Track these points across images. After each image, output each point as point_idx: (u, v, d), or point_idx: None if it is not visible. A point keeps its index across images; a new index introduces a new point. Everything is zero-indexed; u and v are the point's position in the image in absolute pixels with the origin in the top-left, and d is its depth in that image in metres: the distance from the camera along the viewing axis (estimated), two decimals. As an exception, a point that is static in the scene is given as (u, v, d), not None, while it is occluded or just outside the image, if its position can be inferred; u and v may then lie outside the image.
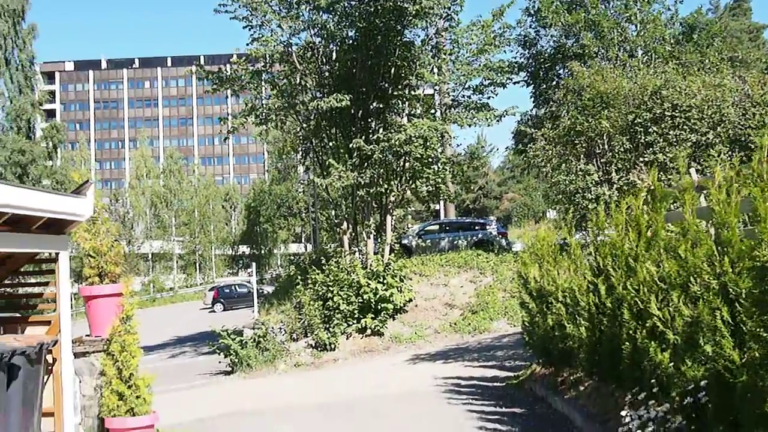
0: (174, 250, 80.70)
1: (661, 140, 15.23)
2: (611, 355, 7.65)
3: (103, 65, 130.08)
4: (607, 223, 8.13)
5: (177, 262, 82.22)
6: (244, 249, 76.47)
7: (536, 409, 9.68)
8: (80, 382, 7.85)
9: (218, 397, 14.52)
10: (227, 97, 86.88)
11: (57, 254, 7.60)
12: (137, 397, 7.45)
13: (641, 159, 15.27)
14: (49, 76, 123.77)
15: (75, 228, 7.84)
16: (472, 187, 57.41)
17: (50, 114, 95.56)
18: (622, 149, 15.34)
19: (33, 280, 8.96)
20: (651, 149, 15.22)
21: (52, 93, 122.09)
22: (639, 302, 6.84)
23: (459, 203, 60.75)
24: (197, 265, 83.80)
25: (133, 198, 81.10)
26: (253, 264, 26.39)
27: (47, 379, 7.38)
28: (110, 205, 75.66)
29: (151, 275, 77.04)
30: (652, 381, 6.32)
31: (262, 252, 72.29)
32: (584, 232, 14.02)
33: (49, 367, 7.38)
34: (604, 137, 15.54)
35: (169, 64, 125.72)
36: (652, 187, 6.90)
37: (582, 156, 15.74)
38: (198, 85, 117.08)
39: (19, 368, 6.44)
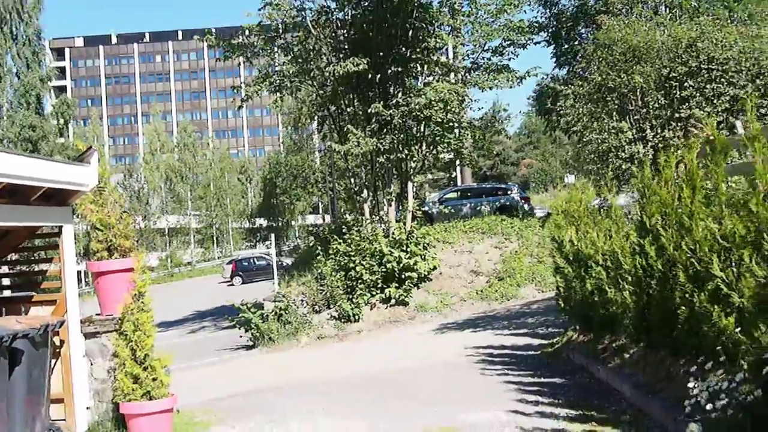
0: (191, 224, 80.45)
1: (698, 95, 14.40)
2: (662, 321, 7.06)
3: (113, 40, 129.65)
4: (654, 179, 7.46)
5: (194, 236, 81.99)
6: (261, 221, 76.07)
7: (577, 378, 9.14)
8: (92, 364, 7.37)
9: (239, 373, 14.05)
10: (240, 66, 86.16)
11: (60, 228, 7.10)
12: (153, 380, 6.95)
13: (676, 115, 14.44)
14: (59, 53, 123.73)
15: (79, 199, 7.31)
16: (489, 153, 56.47)
17: (61, 90, 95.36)
18: (656, 105, 14.49)
19: (36, 257, 8.39)
20: (687, 104, 14.39)
21: (63, 69, 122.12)
22: (696, 263, 6.24)
23: (476, 170, 59.91)
24: (215, 238, 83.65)
25: (148, 173, 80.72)
26: (272, 236, 25.75)
27: (55, 364, 6.90)
28: (124, 181, 75.35)
29: (168, 250, 76.81)
30: (718, 348, 5.72)
31: (280, 224, 71.84)
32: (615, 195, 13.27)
33: (57, 350, 6.90)
34: (638, 93, 14.70)
35: (180, 37, 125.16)
36: (711, 138, 6.23)
37: (614, 113, 14.90)
38: (210, 58, 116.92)
39: (23, 353, 6.00)
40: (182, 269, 72.21)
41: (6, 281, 8.06)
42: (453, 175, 44.82)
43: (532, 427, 6.89)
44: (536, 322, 14.77)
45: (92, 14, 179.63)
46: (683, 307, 6.47)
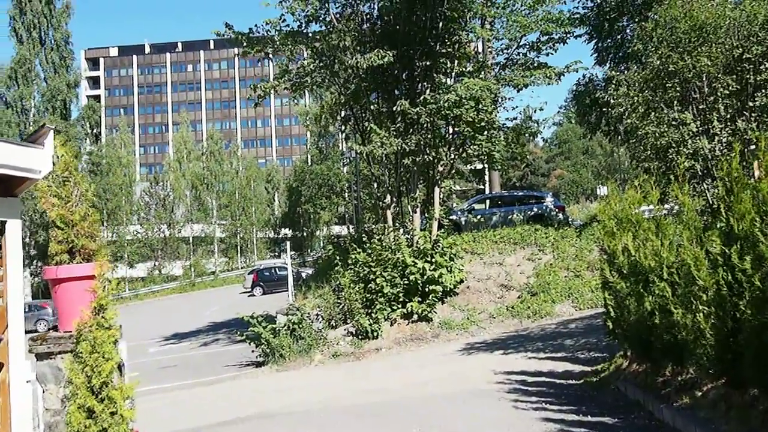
0: (215, 233, 79.59)
1: (778, 79, 12.63)
2: (758, 354, 5.53)
3: (147, 50, 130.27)
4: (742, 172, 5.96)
5: (218, 245, 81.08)
6: (285, 231, 74.98)
7: (633, 418, 7.59)
8: (43, 392, 5.99)
9: (243, 394, 12.68)
10: (269, 75, 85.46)
11: (3, 223, 5.72)
12: (112, 414, 5.54)
13: (750, 103, 12.65)
14: (94, 62, 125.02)
15: (28, 188, 5.97)
16: (522, 160, 54.86)
17: (96, 99, 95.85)
18: (725, 92, 12.72)
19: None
20: (763, 91, 12.57)
21: (97, 79, 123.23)
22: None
23: (506, 180, 58.33)
24: (238, 248, 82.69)
25: (174, 181, 79.96)
26: (288, 243, 24.32)
27: (-11, 392, 5.53)
28: (150, 188, 74.91)
29: (191, 259, 75.88)
30: None
31: (304, 234, 70.70)
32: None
33: (-8, 376, 5.53)
34: (704, 78, 12.93)
35: (212, 47, 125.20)
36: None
37: (675, 102, 13.15)
38: (240, 67, 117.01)
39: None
40: (205, 278, 71.17)
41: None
42: (481, 186, 43.39)
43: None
44: (576, 344, 13.18)
45: (127, 25, 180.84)
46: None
